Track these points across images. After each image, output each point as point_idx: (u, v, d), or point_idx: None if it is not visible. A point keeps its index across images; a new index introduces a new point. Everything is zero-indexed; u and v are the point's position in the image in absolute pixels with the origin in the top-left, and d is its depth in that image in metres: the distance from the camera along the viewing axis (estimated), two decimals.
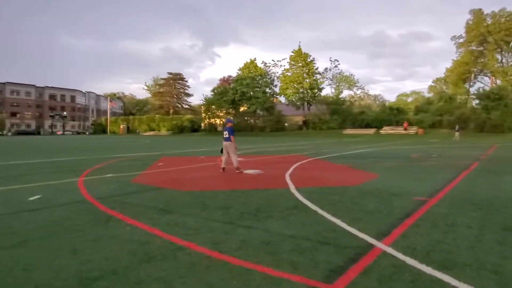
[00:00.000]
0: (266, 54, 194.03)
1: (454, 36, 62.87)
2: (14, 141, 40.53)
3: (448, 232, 4.13)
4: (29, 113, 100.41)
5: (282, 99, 68.21)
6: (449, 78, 64.61)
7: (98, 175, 9.46)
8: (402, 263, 3.19)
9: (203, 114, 71.65)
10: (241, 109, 65.30)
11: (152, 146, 27.20)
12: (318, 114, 62.41)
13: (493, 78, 61.00)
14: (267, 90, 63.42)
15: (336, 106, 61.60)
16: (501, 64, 59.63)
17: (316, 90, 62.83)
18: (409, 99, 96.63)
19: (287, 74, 63.50)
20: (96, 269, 3.07)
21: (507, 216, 4.89)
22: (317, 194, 6.51)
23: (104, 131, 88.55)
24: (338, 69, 67.15)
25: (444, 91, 68.81)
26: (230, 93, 61.74)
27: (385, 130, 52.03)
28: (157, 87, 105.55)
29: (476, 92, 55.99)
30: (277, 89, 65.18)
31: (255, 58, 65.41)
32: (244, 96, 61.20)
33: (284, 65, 66.21)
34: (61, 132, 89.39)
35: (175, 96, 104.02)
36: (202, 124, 71.74)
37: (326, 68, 66.36)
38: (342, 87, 69.46)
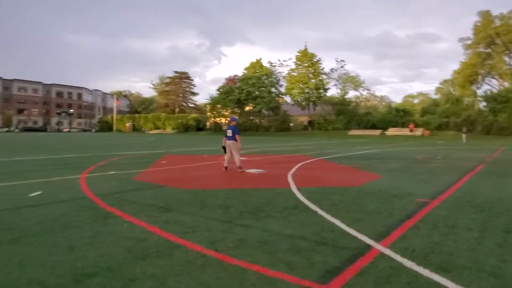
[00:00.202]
0: (272, 54, 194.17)
1: (461, 38, 62.28)
2: (20, 137, 40.89)
3: (448, 234, 4.07)
4: (36, 110, 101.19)
5: (288, 99, 68.08)
6: (456, 80, 64.01)
7: (100, 172, 9.50)
8: (399, 265, 3.15)
9: (208, 113, 71.73)
10: (247, 108, 65.28)
11: (157, 144, 27.29)
12: (324, 115, 62.24)
13: (501, 80, 60.36)
14: (273, 90, 63.34)
15: (342, 107, 61.38)
16: (509, 66, 58.96)
17: (322, 90, 62.57)
18: (416, 101, 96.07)
19: (293, 74, 63.33)
20: (91, 265, 3.07)
21: (509, 218, 4.81)
22: (318, 194, 6.47)
23: (110, 129, 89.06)
24: (344, 69, 66.87)
25: (451, 93, 68.29)
26: (235, 93, 61.74)
27: (391, 131, 51.71)
28: (163, 85, 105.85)
29: (483, 94, 55.46)
30: (282, 89, 65.10)
31: (260, 58, 65.39)
32: (250, 96, 61.18)
33: (290, 65, 66.10)
34: (67, 129, 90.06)
35: (181, 95, 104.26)
36: (207, 123, 71.83)
37: (332, 69, 66.10)
38: (348, 87, 69.12)
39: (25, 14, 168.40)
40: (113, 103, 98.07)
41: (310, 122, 62.96)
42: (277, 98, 64.72)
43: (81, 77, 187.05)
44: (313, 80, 61.43)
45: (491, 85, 62.03)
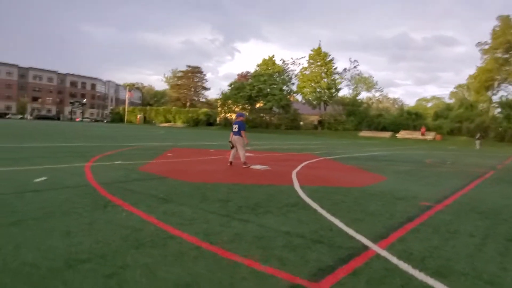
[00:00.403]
0: (285, 51, 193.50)
1: (479, 42, 61.04)
2: (33, 125, 41.55)
3: (449, 239, 3.99)
4: (50, 98, 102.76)
5: (299, 97, 67.80)
6: (472, 85, 62.88)
7: (107, 161, 9.58)
8: (394, 267, 3.09)
9: (219, 108, 71.86)
10: (257, 105, 65.20)
11: (166, 137, 27.46)
12: (334, 115, 61.84)
13: None
14: (284, 87, 63.11)
15: (353, 108, 60.91)
16: None
17: (334, 90, 62.18)
18: (429, 104, 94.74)
19: (305, 73, 63.04)
20: (85, 251, 3.08)
21: None
22: (320, 192, 6.42)
23: (121, 120, 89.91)
24: (357, 70, 66.43)
25: (466, 98, 67.13)
26: (247, 89, 61.69)
27: (402, 134, 51.13)
28: (175, 79, 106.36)
29: (498, 100, 54.37)
30: (294, 87, 64.84)
31: (273, 55, 65.19)
32: (261, 93, 61.07)
33: (302, 64, 65.78)
34: (79, 119, 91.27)
35: (193, 89, 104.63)
36: (218, 118, 71.99)
37: (345, 69, 65.62)
38: (360, 88, 68.60)
39: (43, 3, 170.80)
40: (126, 95, 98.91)
41: (320, 122, 62.64)
42: (288, 96, 64.47)
43: (95, 67, 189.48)
44: (325, 80, 61.05)
45: (507, 92, 60.78)
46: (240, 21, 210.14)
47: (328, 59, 62.00)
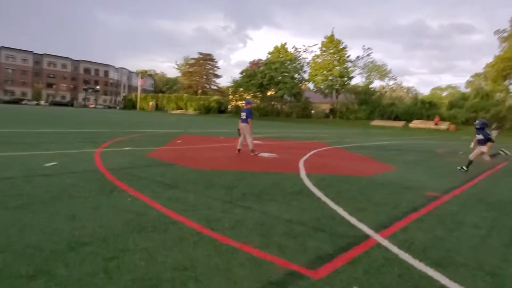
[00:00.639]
0: (298, 39, 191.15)
1: (497, 30, 58.99)
2: (48, 111, 42.23)
3: (453, 230, 3.94)
4: (65, 85, 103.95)
5: (311, 85, 67.08)
6: (489, 74, 61.12)
7: (116, 147, 9.70)
8: (394, 257, 3.08)
9: (230, 96, 71.69)
10: (269, 93, 64.82)
11: (177, 124, 27.62)
12: (346, 103, 61.06)
13: None
14: (296, 75, 62.47)
15: (366, 96, 59.94)
16: None
17: (346, 78, 61.25)
18: (444, 94, 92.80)
19: (317, 61, 62.19)
20: (87, 235, 3.15)
21: None
22: (326, 181, 6.40)
23: (133, 107, 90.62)
24: (371, 58, 65.25)
25: (482, 87, 65.45)
26: (258, 77, 61.27)
27: (415, 123, 50.28)
28: (187, 66, 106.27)
29: None
30: (306, 75, 64.13)
31: (285, 43, 64.30)
32: (272, 81, 60.61)
33: (315, 51, 64.90)
34: (93, 105, 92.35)
35: (204, 77, 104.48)
36: (229, 106, 71.92)
37: (358, 56, 64.44)
38: (373, 77, 67.47)
39: None
40: (138, 82, 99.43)
41: (331, 110, 62.02)
42: (300, 84, 63.87)
43: (109, 54, 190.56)
44: (337, 68, 60.14)
45: None
46: (253, 8, 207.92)
47: (341, 47, 60.91)
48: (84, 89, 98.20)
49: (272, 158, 9.29)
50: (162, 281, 2.41)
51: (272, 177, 6.59)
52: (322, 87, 61.67)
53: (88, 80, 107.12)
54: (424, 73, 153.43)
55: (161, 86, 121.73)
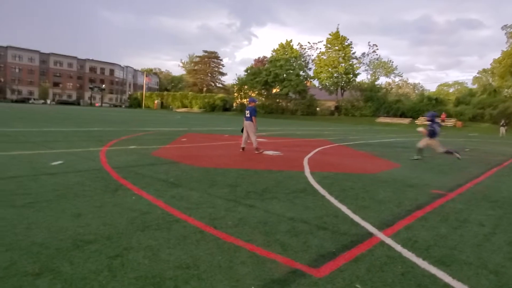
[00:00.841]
0: (302, 36, 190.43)
1: (505, 26, 58.27)
2: (54, 109, 42.58)
3: (457, 228, 3.93)
4: (71, 84, 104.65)
5: (316, 82, 66.86)
6: (496, 70, 60.44)
7: (121, 146, 9.77)
8: (397, 255, 3.08)
9: (235, 94, 71.72)
10: (274, 90, 64.75)
11: (182, 122, 27.70)
12: (352, 100, 60.81)
13: None
14: (301, 73, 62.30)
15: (371, 93, 59.64)
16: None
17: (351, 75, 61.01)
18: (451, 90, 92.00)
19: (322, 58, 61.97)
20: (92, 233, 3.19)
21: None
22: (330, 179, 6.39)
23: (139, 105, 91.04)
24: (377, 54, 64.81)
25: (490, 83, 64.77)
26: (263, 74, 61.25)
27: (421, 120, 49.90)
28: (192, 64, 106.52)
29: None
30: (311, 73, 63.91)
31: (291, 40, 64.07)
32: (277, 78, 60.56)
33: (320, 48, 64.63)
34: (99, 104, 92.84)
35: (209, 75, 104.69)
36: (234, 104, 71.96)
37: (364, 53, 64.13)
38: (378, 73, 67.09)
39: None
40: (143, 80, 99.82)
41: (337, 107, 61.81)
42: (305, 82, 63.69)
43: (114, 53, 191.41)
44: (343, 65, 59.88)
45: None
46: (257, 5, 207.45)
47: (346, 44, 60.68)
48: (90, 87, 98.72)
49: (276, 156, 9.29)
50: (165, 279, 2.44)
51: (276, 175, 6.60)
52: (327, 84, 61.50)
53: (94, 79, 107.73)
54: (430, 69, 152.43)
55: (166, 84, 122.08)
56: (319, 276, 2.60)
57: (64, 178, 5.33)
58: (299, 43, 66.26)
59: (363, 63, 64.22)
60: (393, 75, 70.04)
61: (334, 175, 6.92)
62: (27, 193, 4.39)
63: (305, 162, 8.42)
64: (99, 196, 4.44)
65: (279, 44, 64.45)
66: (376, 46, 66.66)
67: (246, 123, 9.85)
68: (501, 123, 35.09)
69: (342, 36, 60.65)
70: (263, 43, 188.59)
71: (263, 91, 64.27)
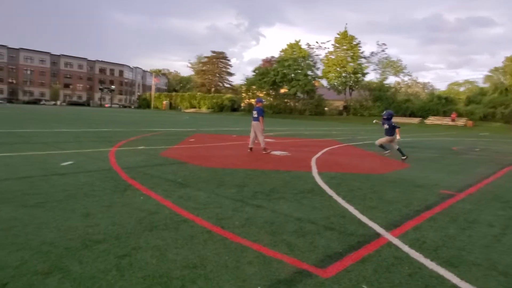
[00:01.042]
0: (311, 36, 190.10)
1: None
2: (65, 110, 43.13)
3: (466, 229, 3.89)
4: (81, 85, 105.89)
5: (324, 82, 66.55)
6: (508, 68, 59.52)
7: (131, 146, 9.86)
8: (405, 256, 3.06)
9: (243, 94, 71.79)
10: (282, 91, 64.64)
11: (190, 122, 27.84)
12: (360, 100, 60.39)
13: None
14: (309, 72, 62.08)
15: (380, 93, 59.14)
16: None
17: (360, 75, 60.58)
18: (461, 89, 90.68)
19: (330, 57, 61.68)
20: (101, 232, 3.23)
21: None
22: (338, 179, 6.37)
23: (148, 106, 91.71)
24: (385, 53, 64.08)
25: (501, 81, 63.77)
26: (271, 74, 61.19)
27: (431, 120, 49.43)
28: (200, 65, 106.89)
29: None
30: (319, 72, 63.65)
31: (299, 40, 63.89)
32: (285, 78, 60.45)
33: (328, 48, 64.33)
34: (108, 105, 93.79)
35: (217, 75, 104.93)
36: (242, 104, 72.03)
37: (372, 52, 63.58)
38: (387, 73, 66.44)
39: None
40: (152, 81, 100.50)
41: (345, 107, 61.48)
42: (313, 81, 63.46)
43: (123, 54, 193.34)
44: (351, 64, 59.52)
45: None
46: (266, 5, 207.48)
47: (354, 43, 60.29)
48: (100, 88, 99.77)
49: (283, 156, 9.29)
50: (172, 278, 2.46)
51: (283, 175, 6.60)
52: (335, 84, 61.18)
53: (104, 80, 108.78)
54: (440, 68, 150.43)
55: (175, 85, 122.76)
56: (326, 277, 2.60)
57: (74, 178, 5.40)
58: (307, 43, 66.22)
59: (372, 63, 63.73)
60: (402, 74, 69.32)
61: (342, 175, 6.89)
62: (38, 193, 4.47)
63: (313, 162, 8.41)
64: (108, 196, 4.49)
65: (287, 44, 64.36)
66: (385, 45, 66.23)
67: (254, 123, 9.87)
68: None
69: (350, 35, 60.28)
70: (271, 43, 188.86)
71: (271, 91, 64.19)
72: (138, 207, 4.06)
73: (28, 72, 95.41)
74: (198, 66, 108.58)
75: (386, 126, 10.05)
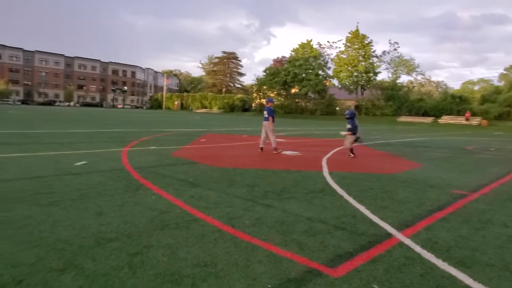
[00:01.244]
0: (322, 35, 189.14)
1: None
2: (78, 111, 43.81)
3: (479, 229, 3.83)
4: (94, 86, 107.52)
5: (335, 82, 66.13)
6: None
7: (142, 146, 9.97)
8: (416, 256, 3.03)
9: (254, 94, 71.87)
10: (293, 91, 64.51)
11: (201, 123, 27.99)
12: (372, 99, 59.86)
13: None
14: (320, 72, 61.79)
15: (392, 92, 58.50)
16: None
17: (372, 74, 60.02)
18: (476, 88, 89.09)
19: (341, 57, 61.27)
20: (113, 231, 3.28)
21: None
22: (349, 179, 6.34)
23: (159, 106, 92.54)
24: (398, 52, 63.33)
25: None
26: (282, 74, 61.14)
27: (444, 119, 48.70)
28: (211, 65, 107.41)
29: None
30: (330, 72, 63.29)
31: (311, 39, 63.62)
32: (296, 78, 60.31)
33: (339, 47, 63.91)
34: (121, 106, 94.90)
35: (228, 75, 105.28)
36: (253, 104, 72.11)
37: (384, 51, 62.93)
38: (400, 72, 65.67)
39: None
40: (163, 82, 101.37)
41: (357, 107, 60.70)
42: (324, 81, 63.13)
43: (135, 55, 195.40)
44: (363, 63, 59.00)
45: None
46: (276, 5, 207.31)
47: (366, 42, 59.75)
48: (113, 90, 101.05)
49: (294, 156, 9.28)
50: (183, 276, 2.49)
51: (294, 175, 6.60)
52: (347, 83, 60.73)
53: (116, 81, 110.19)
54: (454, 67, 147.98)
55: (186, 86, 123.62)
56: (336, 276, 2.60)
57: (87, 178, 5.50)
58: (318, 42, 65.88)
59: (384, 62, 63.06)
60: (415, 73, 68.44)
61: (353, 175, 6.85)
62: (52, 192, 4.56)
63: (324, 162, 8.38)
64: (121, 195, 4.56)
65: (299, 44, 64.17)
66: (397, 43, 65.46)
67: (264, 123, 9.88)
68: None
69: (362, 34, 59.77)
70: (282, 43, 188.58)
71: (282, 91, 64.13)
72: (149, 206, 4.11)
73: (43, 74, 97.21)
74: (209, 67, 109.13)
75: (349, 125, 9.80)
